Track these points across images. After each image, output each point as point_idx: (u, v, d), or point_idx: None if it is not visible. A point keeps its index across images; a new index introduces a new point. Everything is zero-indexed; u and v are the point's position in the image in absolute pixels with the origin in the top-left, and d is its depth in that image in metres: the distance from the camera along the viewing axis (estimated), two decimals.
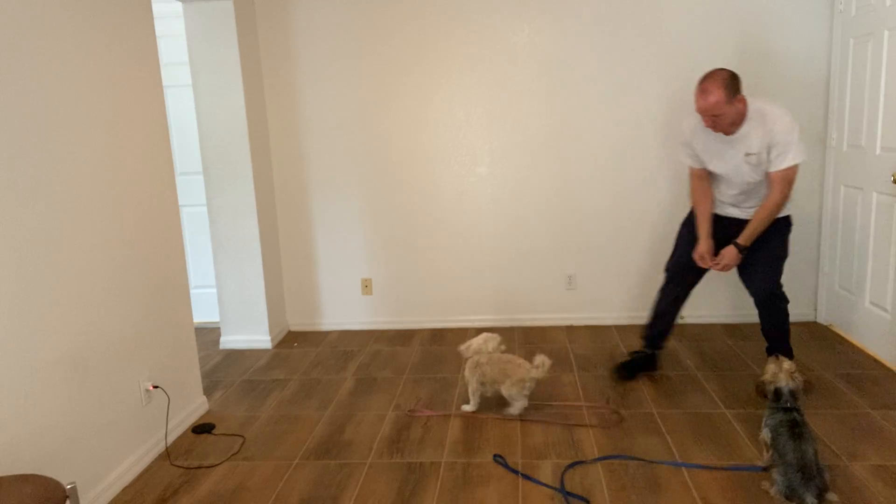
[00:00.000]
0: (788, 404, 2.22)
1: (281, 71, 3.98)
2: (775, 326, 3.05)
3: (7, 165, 1.97)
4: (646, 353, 3.27)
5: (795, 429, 2.16)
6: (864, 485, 2.27)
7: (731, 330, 3.89)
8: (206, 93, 3.70)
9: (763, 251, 2.92)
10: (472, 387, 2.94)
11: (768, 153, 2.74)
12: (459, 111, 3.95)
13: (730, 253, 2.90)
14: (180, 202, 4.28)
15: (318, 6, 3.89)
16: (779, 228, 2.93)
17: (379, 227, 4.12)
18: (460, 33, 3.86)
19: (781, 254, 2.95)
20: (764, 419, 2.30)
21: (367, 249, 4.16)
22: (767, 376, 2.29)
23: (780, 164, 2.73)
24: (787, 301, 3.02)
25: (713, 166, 2.93)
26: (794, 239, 3.66)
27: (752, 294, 2.99)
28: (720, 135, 2.84)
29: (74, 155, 2.28)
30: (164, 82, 4.12)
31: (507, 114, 3.93)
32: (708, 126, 2.79)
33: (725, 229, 3.00)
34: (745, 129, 2.76)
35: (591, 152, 3.93)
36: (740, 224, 2.94)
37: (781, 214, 2.90)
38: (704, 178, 3.04)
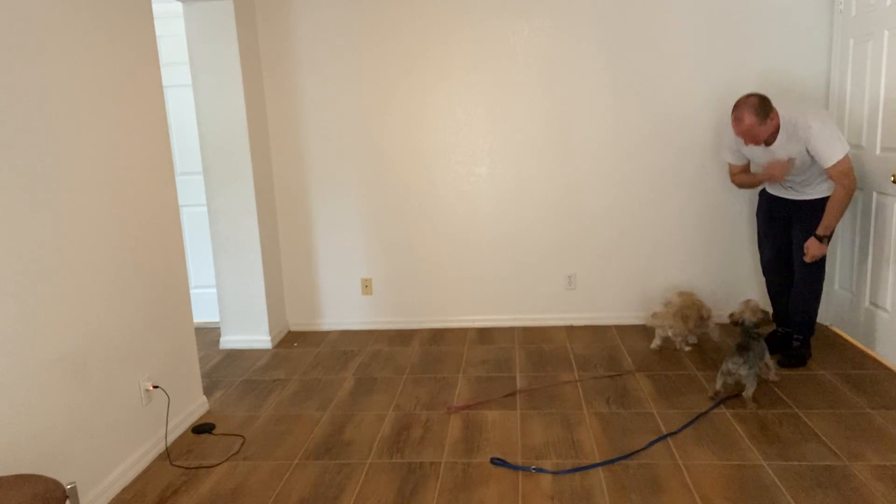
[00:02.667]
0: (748, 330, 2.93)
1: (281, 71, 3.98)
2: (802, 296, 3.28)
3: (7, 165, 1.97)
4: (778, 332, 3.51)
5: (744, 346, 2.87)
6: (864, 485, 2.27)
7: (731, 330, 3.88)
8: (206, 93, 3.70)
9: (812, 220, 3.17)
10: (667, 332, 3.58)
11: (812, 156, 3.03)
12: (459, 111, 3.95)
13: (812, 244, 3.13)
14: (180, 202, 4.28)
15: (318, 6, 3.89)
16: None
17: (379, 226, 4.12)
18: (460, 33, 3.86)
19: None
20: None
21: (367, 249, 4.16)
22: (738, 311, 3.01)
23: (826, 164, 2.99)
24: (822, 274, 3.26)
25: (760, 161, 3.25)
26: None
27: (794, 258, 3.30)
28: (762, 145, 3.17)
29: (74, 155, 2.28)
30: (164, 82, 4.12)
31: (508, 114, 3.93)
32: (748, 143, 3.13)
33: (783, 209, 3.31)
34: (780, 140, 3.08)
35: (591, 152, 3.93)
36: (797, 205, 3.24)
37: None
38: (745, 171, 3.39)
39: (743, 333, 2.95)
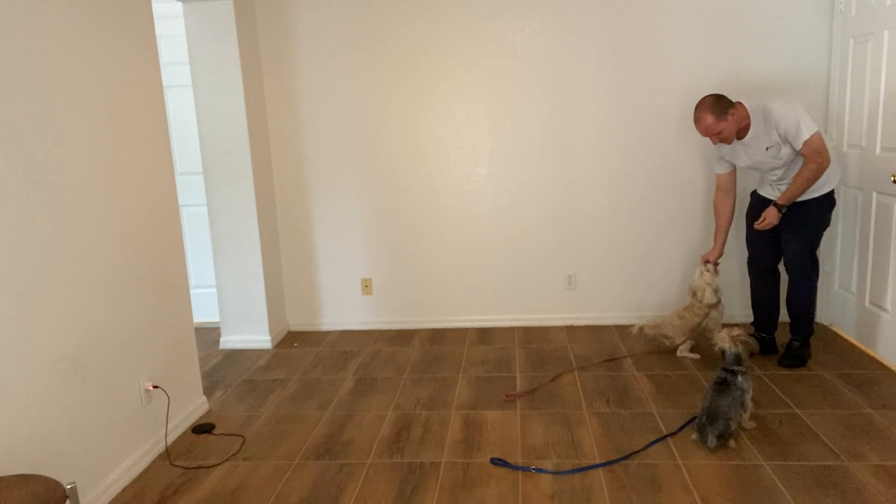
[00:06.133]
0: (728, 365, 2.61)
1: (281, 71, 3.98)
2: (798, 297, 3.25)
3: (8, 165, 1.97)
4: (760, 337, 3.49)
5: (721, 384, 2.57)
6: (864, 485, 2.27)
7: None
8: (206, 93, 3.70)
9: (800, 220, 3.18)
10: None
11: (785, 141, 3.06)
12: (459, 111, 3.95)
13: (770, 212, 3.16)
14: (180, 202, 4.28)
15: (318, 6, 3.89)
16: (819, 203, 3.16)
17: (379, 227, 4.13)
18: (460, 33, 3.86)
19: (817, 225, 3.19)
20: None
21: (367, 249, 4.16)
22: (717, 340, 2.69)
23: (799, 143, 3.02)
24: (816, 273, 3.25)
25: (742, 163, 3.26)
26: None
27: (785, 260, 3.27)
28: (737, 141, 3.20)
29: (74, 155, 2.28)
30: (164, 82, 4.12)
31: (507, 114, 3.93)
32: (717, 143, 3.20)
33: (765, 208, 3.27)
34: (753, 131, 3.11)
35: (591, 152, 3.93)
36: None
37: (823, 191, 3.14)
38: (727, 192, 3.40)
39: (721, 368, 2.62)
